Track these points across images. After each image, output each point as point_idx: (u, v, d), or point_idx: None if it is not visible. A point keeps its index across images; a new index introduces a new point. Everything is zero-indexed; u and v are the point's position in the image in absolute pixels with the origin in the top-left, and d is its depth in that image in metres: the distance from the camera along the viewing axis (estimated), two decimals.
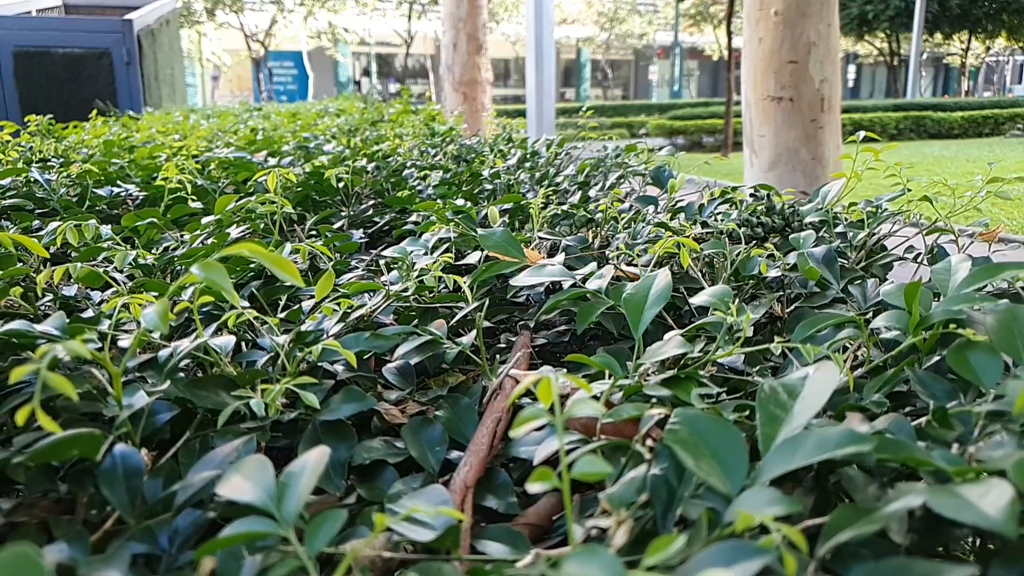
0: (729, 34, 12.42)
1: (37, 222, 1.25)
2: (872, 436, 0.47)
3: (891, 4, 20.78)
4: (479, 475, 0.61)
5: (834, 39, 3.63)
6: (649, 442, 0.53)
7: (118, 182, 1.59)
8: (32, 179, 1.45)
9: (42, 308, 0.87)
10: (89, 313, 0.84)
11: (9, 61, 6.22)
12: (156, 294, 0.76)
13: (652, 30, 30.67)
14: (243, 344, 0.80)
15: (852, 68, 34.39)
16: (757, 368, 0.77)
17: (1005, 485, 0.43)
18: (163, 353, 0.66)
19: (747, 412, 0.60)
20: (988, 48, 27.39)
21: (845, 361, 0.68)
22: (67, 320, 0.67)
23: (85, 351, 0.45)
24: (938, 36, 23.16)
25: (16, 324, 0.62)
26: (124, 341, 0.69)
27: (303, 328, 0.75)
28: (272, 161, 1.92)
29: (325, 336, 0.75)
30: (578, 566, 0.34)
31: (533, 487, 0.39)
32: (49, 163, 1.84)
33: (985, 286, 0.85)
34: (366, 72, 30.47)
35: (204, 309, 0.83)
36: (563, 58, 32.01)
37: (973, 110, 15.94)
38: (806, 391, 0.52)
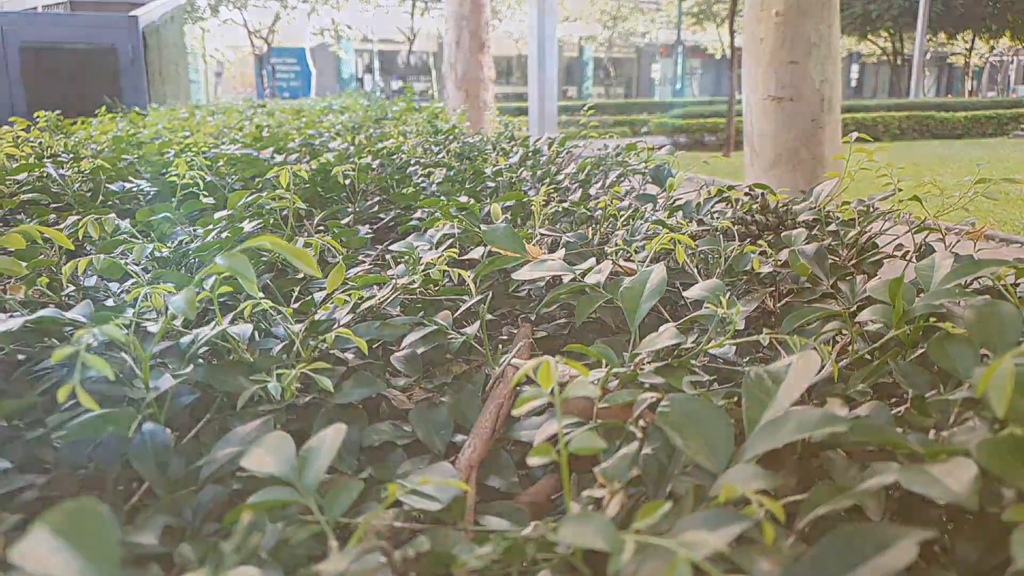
0: (732, 33, 12.42)
1: (53, 216, 1.28)
2: (850, 420, 0.51)
3: (895, 3, 20.72)
4: (483, 456, 0.64)
5: (835, 39, 3.65)
6: (642, 423, 0.57)
7: (129, 177, 1.63)
8: (46, 174, 1.49)
9: (63, 298, 0.91)
10: (109, 303, 0.87)
11: (16, 57, 6.26)
12: (174, 285, 0.79)
13: (655, 28, 30.63)
14: (257, 333, 0.83)
15: (855, 67, 34.31)
16: (748, 359, 0.81)
17: (969, 463, 0.46)
18: (184, 340, 0.69)
19: (736, 399, 0.64)
20: (992, 48, 27.33)
21: (831, 353, 0.71)
22: (93, 309, 0.71)
23: (119, 335, 0.49)
24: (942, 35, 23.10)
25: (47, 312, 0.66)
26: (147, 328, 0.72)
27: (316, 317, 0.78)
28: (279, 158, 1.95)
29: (337, 325, 0.78)
30: (575, 528, 0.38)
31: (533, 460, 0.43)
32: (59, 158, 1.87)
33: (972, 283, 0.89)
34: (368, 69, 30.47)
35: (220, 300, 0.87)
36: (565, 56, 31.96)
37: (976, 110, 15.91)
38: (789, 378, 0.55)
